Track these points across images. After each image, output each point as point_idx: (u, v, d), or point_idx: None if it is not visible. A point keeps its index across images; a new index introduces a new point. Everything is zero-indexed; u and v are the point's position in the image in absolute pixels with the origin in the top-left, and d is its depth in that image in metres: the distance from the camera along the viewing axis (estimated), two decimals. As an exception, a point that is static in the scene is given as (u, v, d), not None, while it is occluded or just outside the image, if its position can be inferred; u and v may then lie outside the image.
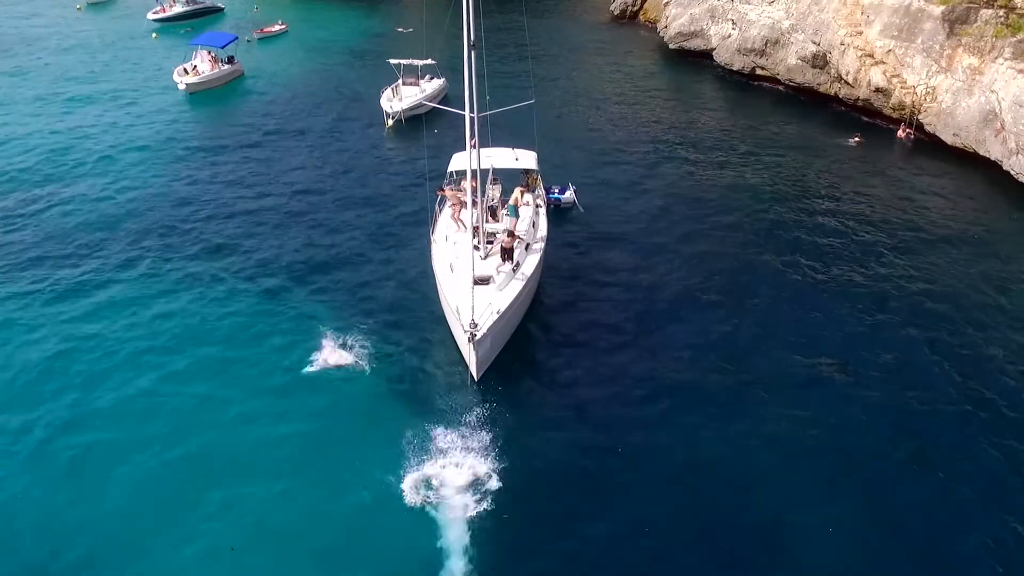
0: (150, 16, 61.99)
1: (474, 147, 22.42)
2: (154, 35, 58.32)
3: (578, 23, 62.45)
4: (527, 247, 23.74)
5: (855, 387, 20.97)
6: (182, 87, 44.53)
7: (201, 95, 44.43)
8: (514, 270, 22.38)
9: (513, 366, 21.28)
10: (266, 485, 17.34)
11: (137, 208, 30.14)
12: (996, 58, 34.63)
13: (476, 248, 22.81)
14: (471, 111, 22.08)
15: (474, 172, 22.67)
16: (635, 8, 62.35)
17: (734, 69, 48.20)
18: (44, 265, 26.02)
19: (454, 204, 25.07)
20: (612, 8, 63.10)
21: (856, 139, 38.38)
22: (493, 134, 26.28)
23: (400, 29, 60.18)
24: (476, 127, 22.48)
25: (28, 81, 46.18)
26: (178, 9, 63.35)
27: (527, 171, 27.74)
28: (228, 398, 20.00)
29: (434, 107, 35.83)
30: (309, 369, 20.88)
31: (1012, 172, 32.49)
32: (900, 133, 38.46)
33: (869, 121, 40.36)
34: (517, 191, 26.42)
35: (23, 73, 47.60)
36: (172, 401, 19.83)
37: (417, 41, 52.69)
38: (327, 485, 17.40)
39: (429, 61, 42.09)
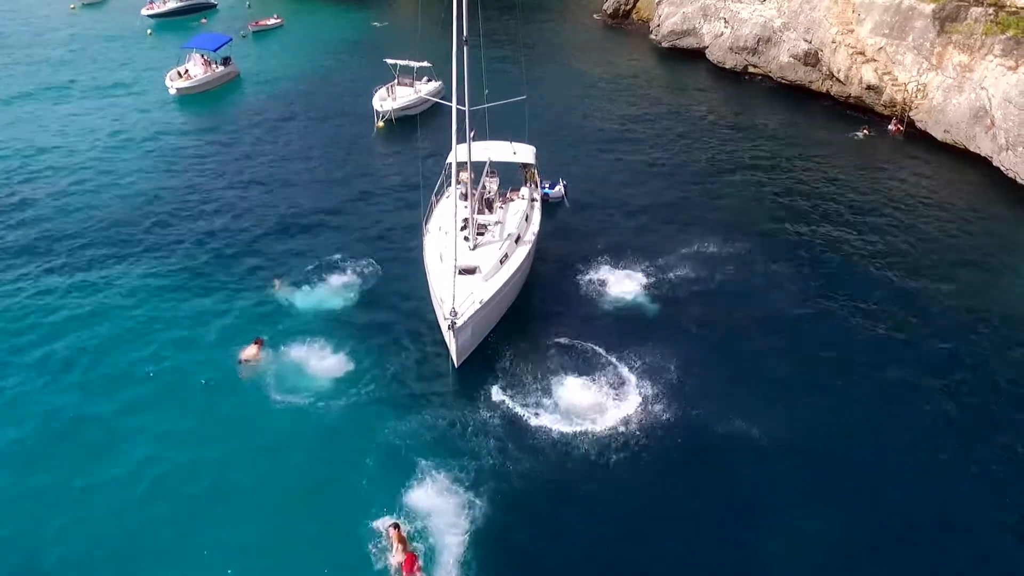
0: (144, 12, 61.86)
1: (472, 138, 22.57)
2: (149, 32, 58.18)
3: (571, 22, 62.57)
4: (517, 240, 23.79)
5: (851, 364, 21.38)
6: (173, 91, 43.42)
7: (193, 99, 43.34)
8: (501, 262, 22.42)
9: (497, 353, 21.32)
10: (245, 479, 17.41)
11: (116, 210, 29.86)
12: (986, 55, 34.84)
13: (466, 239, 22.87)
14: (460, 103, 22.19)
15: (469, 164, 22.75)
16: (628, 7, 62.44)
17: (726, 67, 48.34)
18: (20, 261, 26.03)
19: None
20: (605, 7, 63.19)
21: (864, 132, 38.57)
22: (490, 129, 26.44)
23: (376, 23, 60.70)
24: (468, 120, 22.60)
25: (17, 82, 45.69)
26: (171, 5, 63.27)
27: (524, 165, 27.87)
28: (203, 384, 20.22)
29: (432, 102, 35.68)
30: (291, 359, 20.88)
31: (1002, 168, 32.67)
32: (893, 129, 38.67)
33: (857, 116, 40.47)
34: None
35: (11, 75, 47.06)
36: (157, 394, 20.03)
37: (401, 36, 52.75)
38: (308, 479, 17.45)
39: (425, 63, 41.79)
